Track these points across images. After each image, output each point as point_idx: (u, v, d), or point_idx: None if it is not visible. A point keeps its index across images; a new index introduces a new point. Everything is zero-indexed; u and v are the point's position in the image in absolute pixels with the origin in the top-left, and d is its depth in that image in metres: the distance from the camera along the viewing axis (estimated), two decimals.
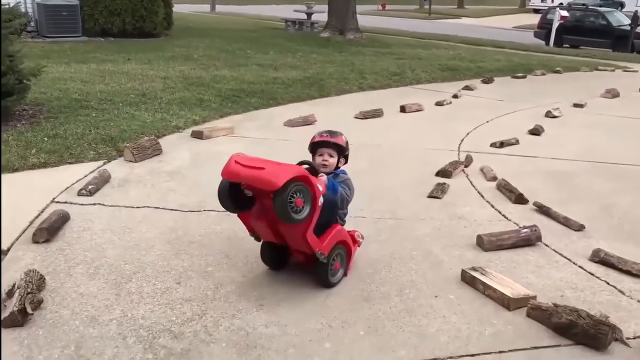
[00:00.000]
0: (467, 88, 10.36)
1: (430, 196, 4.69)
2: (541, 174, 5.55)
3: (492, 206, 4.58)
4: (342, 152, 3.38)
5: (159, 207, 4.25)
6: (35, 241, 3.59)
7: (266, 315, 2.95)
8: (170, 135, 6.28)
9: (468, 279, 3.29)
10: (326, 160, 3.32)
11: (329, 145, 3.33)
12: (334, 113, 7.90)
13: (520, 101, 9.44)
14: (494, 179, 5.18)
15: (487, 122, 7.82)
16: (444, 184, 4.93)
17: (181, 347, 2.68)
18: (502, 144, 6.43)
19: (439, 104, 8.86)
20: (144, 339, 2.72)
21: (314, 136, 3.40)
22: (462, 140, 6.67)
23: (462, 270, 3.34)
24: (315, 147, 3.36)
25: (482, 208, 4.53)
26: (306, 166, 3.18)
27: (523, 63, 14.30)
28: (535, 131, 7.20)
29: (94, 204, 4.25)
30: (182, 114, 7.07)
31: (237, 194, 2.98)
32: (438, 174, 5.26)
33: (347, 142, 3.42)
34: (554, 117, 8.38)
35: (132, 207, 4.24)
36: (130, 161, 5.26)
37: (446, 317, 3.00)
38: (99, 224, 3.92)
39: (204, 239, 3.76)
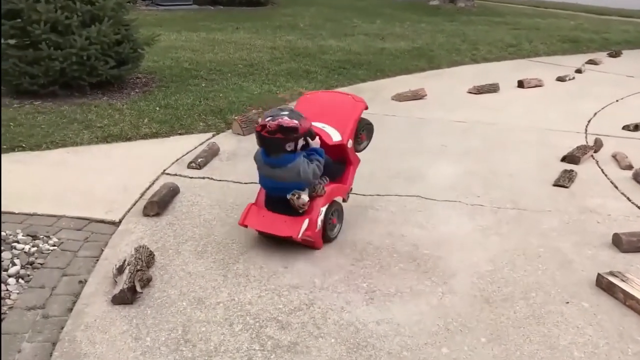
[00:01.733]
0: (591, 62, 9.52)
1: (557, 184, 4.27)
2: None
3: (629, 199, 4.09)
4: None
5: None
6: (145, 214, 3.59)
7: (377, 311, 2.75)
8: None
9: (605, 285, 2.91)
10: None
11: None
12: (444, 87, 7.49)
13: None
14: (630, 167, 4.64)
15: (617, 100, 7.10)
16: (572, 171, 4.46)
17: (288, 340, 2.54)
18: (636, 127, 5.78)
19: (560, 79, 8.17)
20: (250, 327, 2.61)
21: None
22: (589, 122, 6.07)
23: (598, 275, 2.97)
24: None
25: (617, 201, 4.06)
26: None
27: None
28: None
29: (203, 178, 4.22)
30: (289, 86, 6.95)
31: None
32: (564, 159, 4.79)
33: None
34: None
35: (240, 182, 4.17)
36: (238, 134, 5.21)
37: (580, 329, 2.66)
38: (208, 199, 3.87)
39: None
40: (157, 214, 3.59)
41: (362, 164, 3.67)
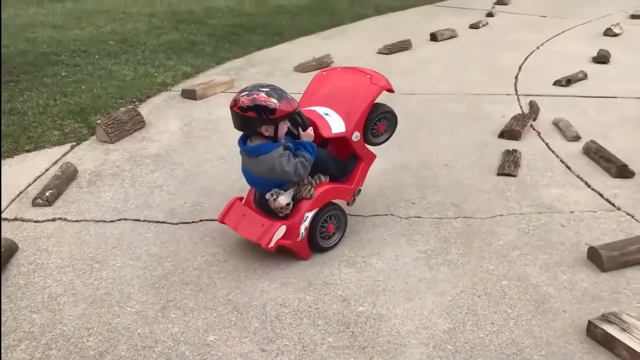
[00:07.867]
0: (500, 2, 8.98)
1: (502, 173, 3.53)
2: (632, 123, 4.33)
3: (588, 185, 3.41)
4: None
5: (139, 219, 3.14)
6: None
7: None
8: (155, 96, 5.08)
9: (600, 338, 2.19)
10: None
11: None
12: (352, 48, 6.59)
13: (567, 16, 8.07)
14: (577, 138, 3.98)
15: (538, 48, 6.50)
16: (515, 151, 3.74)
17: None
18: (568, 82, 5.16)
19: (473, 26, 7.51)
20: None
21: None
22: (516, 78, 5.40)
23: (589, 323, 2.24)
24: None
25: (576, 189, 3.36)
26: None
27: None
28: (602, 59, 5.89)
29: (54, 220, 3.15)
30: (170, 65, 5.82)
31: None
32: (502, 134, 4.06)
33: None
34: (615, 35, 7.02)
35: (105, 220, 3.14)
36: (105, 142, 4.11)
37: None
38: (58, 256, 2.83)
39: (202, 277, 2.67)
40: None
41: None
